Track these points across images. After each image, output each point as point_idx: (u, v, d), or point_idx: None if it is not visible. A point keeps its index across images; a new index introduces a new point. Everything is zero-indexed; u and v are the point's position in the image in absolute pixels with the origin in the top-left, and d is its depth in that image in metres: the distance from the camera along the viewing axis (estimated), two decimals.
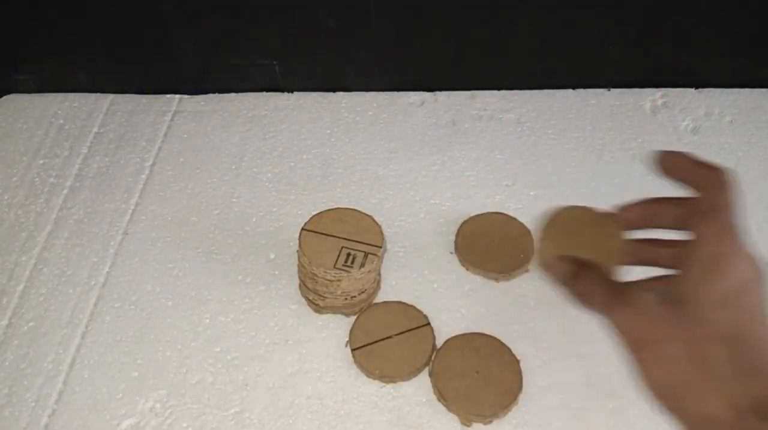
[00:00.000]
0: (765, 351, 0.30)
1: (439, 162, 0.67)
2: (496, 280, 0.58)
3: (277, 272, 0.59)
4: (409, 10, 0.69)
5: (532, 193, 0.64)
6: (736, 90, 0.73)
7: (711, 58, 0.72)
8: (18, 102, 0.75)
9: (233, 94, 0.75)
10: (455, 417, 0.49)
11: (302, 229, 0.54)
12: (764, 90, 0.73)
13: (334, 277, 0.52)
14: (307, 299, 0.56)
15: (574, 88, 0.74)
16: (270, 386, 0.52)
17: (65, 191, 0.66)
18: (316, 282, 0.53)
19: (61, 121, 0.72)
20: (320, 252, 0.52)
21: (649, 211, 0.37)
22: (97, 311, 0.56)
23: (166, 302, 0.57)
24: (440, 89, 0.74)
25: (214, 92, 0.75)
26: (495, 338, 0.52)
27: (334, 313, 0.55)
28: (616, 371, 0.51)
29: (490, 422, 0.49)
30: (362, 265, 0.52)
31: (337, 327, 0.55)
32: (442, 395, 0.50)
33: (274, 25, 0.70)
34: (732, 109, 0.72)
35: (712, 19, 0.69)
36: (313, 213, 0.56)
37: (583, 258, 0.37)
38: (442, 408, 0.50)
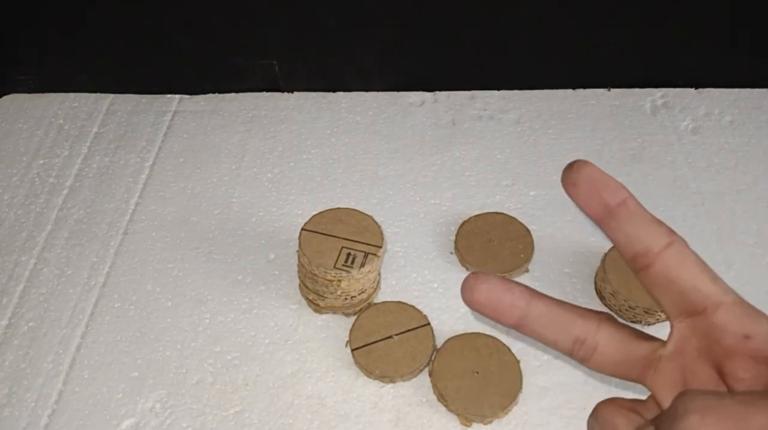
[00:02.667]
0: None
1: (439, 162, 0.67)
2: None
3: (277, 272, 0.59)
4: (409, 10, 0.69)
5: (532, 193, 0.64)
6: (736, 90, 0.73)
7: (711, 58, 0.72)
8: (18, 102, 0.75)
9: (233, 94, 0.75)
10: (455, 417, 0.49)
11: (302, 229, 0.54)
12: (764, 90, 0.73)
13: (334, 277, 0.52)
14: (307, 299, 0.56)
15: (574, 88, 0.74)
16: (270, 386, 0.52)
17: (65, 191, 0.66)
18: (316, 282, 0.53)
19: (61, 121, 0.72)
20: (320, 252, 0.52)
21: None
22: (97, 311, 0.56)
23: (166, 302, 0.57)
24: (440, 89, 0.74)
25: (214, 92, 0.75)
26: (495, 338, 0.52)
27: (334, 313, 0.55)
28: None
29: (490, 422, 0.49)
30: (362, 265, 0.52)
31: (337, 327, 0.55)
32: (442, 395, 0.50)
33: (274, 25, 0.70)
34: (732, 109, 0.72)
35: (712, 19, 0.69)
36: (313, 213, 0.56)
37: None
38: (442, 408, 0.50)
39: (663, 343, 0.26)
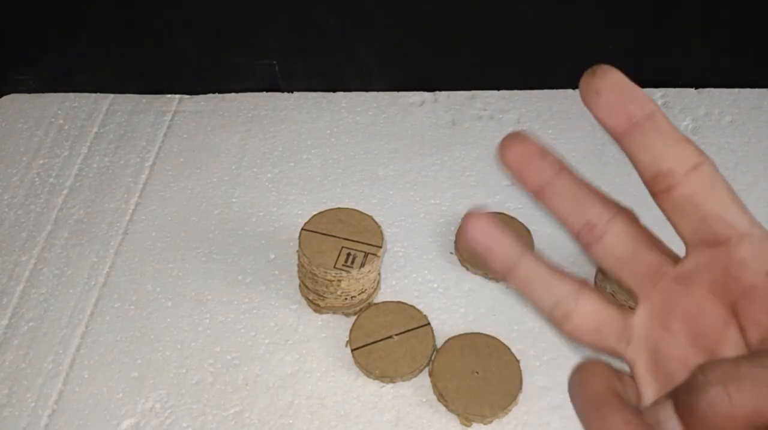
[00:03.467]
0: None
1: (439, 162, 0.67)
2: (496, 280, 0.58)
3: (277, 272, 0.59)
4: (409, 10, 0.69)
5: None
6: (736, 90, 0.73)
7: (711, 58, 0.72)
8: (18, 102, 0.75)
9: (233, 94, 0.75)
10: (455, 417, 0.49)
11: (302, 229, 0.54)
12: (764, 90, 0.73)
13: (334, 277, 0.52)
14: (307, 299, 0.56)
15: (574, 88, 0.74)
16: (270, 386, 0.52)
17: (65, 191, 0.66)
18: (316, 282, 0.53)
19: (61, 121, 0.72)
20: (320, 252, 0.52)
21: None
22: (97, 311, 0.56)
23: (166, 302, 0.57)
24: (440, 89, 0.74)
25: (214, 92, 0.75)
26: (495, 338, 0.52)
27: (334, 313, 0.55)
28: None
29: (490, 422, 0.49)
30: (362, 265, 0.52)
31: (337, 327, 0.55)
32: (442, 395, 0.50)
33: (274, 25, 0.70)
34: (732, 109, 0.72)
35: (712, 19, 0.69)
36: (313, 213, 0.56)
37: None
38: (442, 408, 0.50)
39: (674, 260, 0.24)
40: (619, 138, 0.23)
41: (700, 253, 0.23)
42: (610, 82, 0.22)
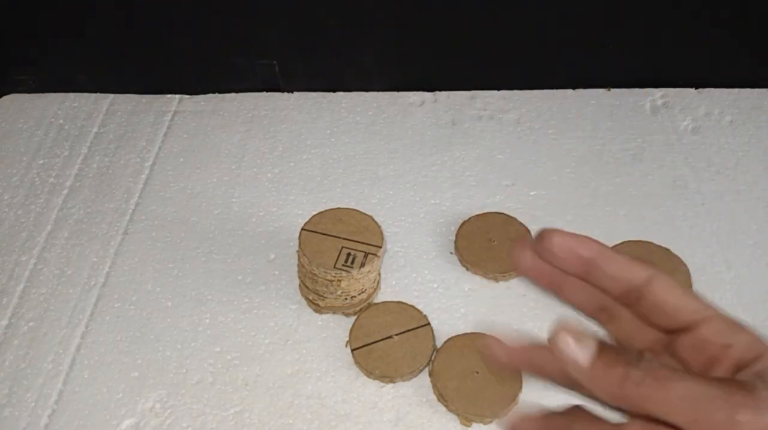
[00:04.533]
0: None
1: (439, 162, 0.67)
2: (496, 280, 0.58)
3: (277, 272, 0.59)
4: (409, 10, 0.69)
5: (532, 193, 0.64)
6: (736, 90, 0.73)
7: (711, 58, 0.72)
8: (18, 102, 0.75)
9: (233, 94, 0.75)
10: (455, 417, 0.49)
11: (302, 229, 0.54)
12: (764, 90, 0.73)
13: (334, 277, 0.52)
14: (307, 299, 0.56)
15: (574, 88, 0.74)
16: (270, 386, 0.52)
17: (65, 191, 0.66)
18: (316, 282, 0.53)
19: (61, 121, 0.72)
20: (320, 252, 0.52)
21: None
22: (97, 311, 0.56)
23: (166, 302, 0.57)
24: (440, 89, 0.74)
25: (214, 92, 0.75)
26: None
27: (334, 313, 0.55)
28: None
29: (490, 422, 0.49)
30: (362, 265, 0.52)
31: (337, 327, 0.55)
32: (442, 395, 0.50)
33: (274, 25, 0.70)
34: (732, 109, 0.72)
35: (712, 19, 0.69)
36: (313, 213, 0.56)
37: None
38: (442, 408, 0.50)
39: (669, 336, 0.28)
40: (584, 278, 0.28)
41: (678, 337, 0.28)
42: (557, 242, 0.27)
